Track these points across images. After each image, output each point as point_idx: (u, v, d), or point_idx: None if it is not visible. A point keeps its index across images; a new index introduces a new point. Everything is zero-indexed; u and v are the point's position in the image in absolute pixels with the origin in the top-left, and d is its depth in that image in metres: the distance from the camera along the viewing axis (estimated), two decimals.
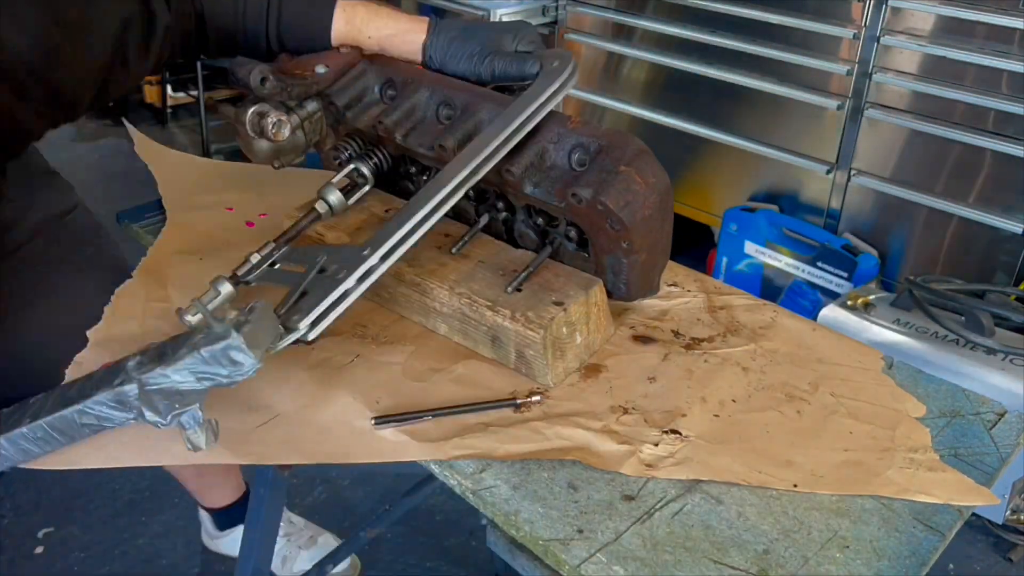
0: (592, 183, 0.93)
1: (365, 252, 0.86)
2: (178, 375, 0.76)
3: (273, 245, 0.96)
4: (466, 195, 1.06)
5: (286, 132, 1.05)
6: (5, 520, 1.93)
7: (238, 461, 0.87)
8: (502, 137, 0.94)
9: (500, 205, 1.05)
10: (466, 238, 1.02)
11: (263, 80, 1.02)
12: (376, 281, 1.04)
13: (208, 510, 1.76)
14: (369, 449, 0.87)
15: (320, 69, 1.07)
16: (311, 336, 0.81)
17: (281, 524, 1.69)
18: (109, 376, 0.80)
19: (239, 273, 0.93)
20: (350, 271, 0.85)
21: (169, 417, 0.77)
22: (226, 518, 1.76)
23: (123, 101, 4.16)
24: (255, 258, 0.94)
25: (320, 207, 1.03)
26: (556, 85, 0.99)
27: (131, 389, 0.78)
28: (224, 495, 1.73)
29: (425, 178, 1.09)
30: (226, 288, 0.89)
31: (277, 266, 0.95)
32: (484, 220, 1.04)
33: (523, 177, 0.97)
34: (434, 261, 1.01)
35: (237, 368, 0.76)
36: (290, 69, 1.07)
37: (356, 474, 2.05)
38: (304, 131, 1.09)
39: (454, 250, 1.01)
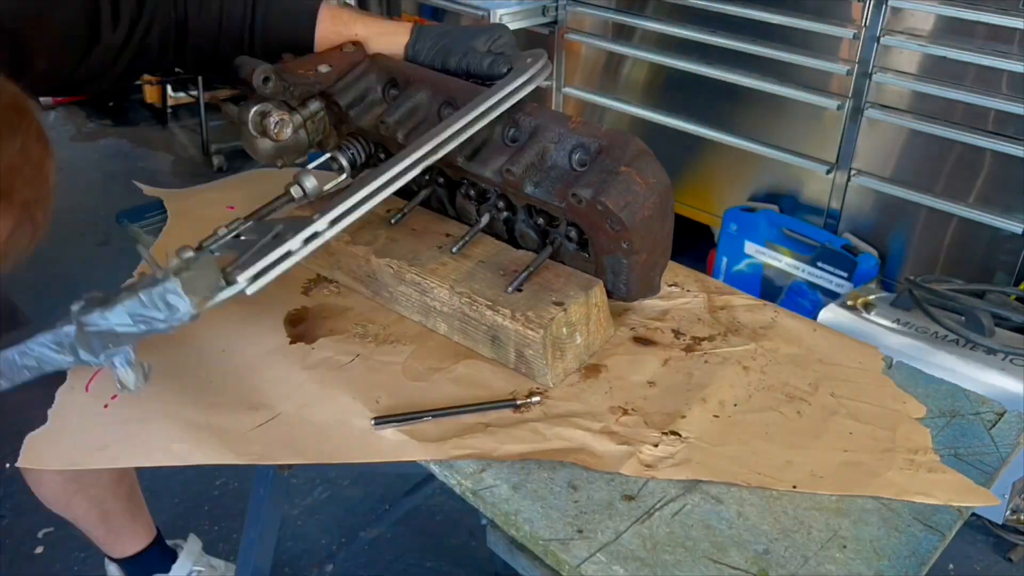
0: (592, 183, 0.93)
1: (315, 218, 0.88)
2: (116, 317, 0.77)
3: (241, 220, 0.97)
4: (467, 195, 1.07)
5: (288, 132, 1.05)
6: (5, 520, 1.93)
7: (238, 461, 0.87)
8: (465, 120, 0.96)
9: (501, 205, 1.05)
10: (467, 238, 1.02)
11: (266, 79, 1.02)
12: (377, 280, 1.04)
13: (118, 562, 1.60)
14: (369, 449, 0.87)
15: (323, 68, 1.08)
16: (250, 291, 0.83)
17: (201, 569, 1.65)
18: (52, 320, 0.81)
19: (204, 244, 0.94)
20: (295, 233, 0.87)
21: (102, 356, 0.79)
22: (140, 570, 1.60)
23: (123, 101, 4.17)
24: (222, 231, 0.95)
25: (295, 191, 1.03)
26: (526, 76, 1.02)
27: (70, 330, 0.79)
28: (134, 540, 1.58)
29: (427, 177, 1.10)
30: (187, 255, 0.90)
31: (242, 238, 0.96)
32: (485, 220, 1.04)
33: (524, 177, 0.97)
34: (435, 260, 1.01)
35: (173, 312, 0.77)
36: (293, 68, 1.06)
37: (356, 474, 2.05)
38: (307, 130, 1.10)
39: (455, 250, 1.01)
